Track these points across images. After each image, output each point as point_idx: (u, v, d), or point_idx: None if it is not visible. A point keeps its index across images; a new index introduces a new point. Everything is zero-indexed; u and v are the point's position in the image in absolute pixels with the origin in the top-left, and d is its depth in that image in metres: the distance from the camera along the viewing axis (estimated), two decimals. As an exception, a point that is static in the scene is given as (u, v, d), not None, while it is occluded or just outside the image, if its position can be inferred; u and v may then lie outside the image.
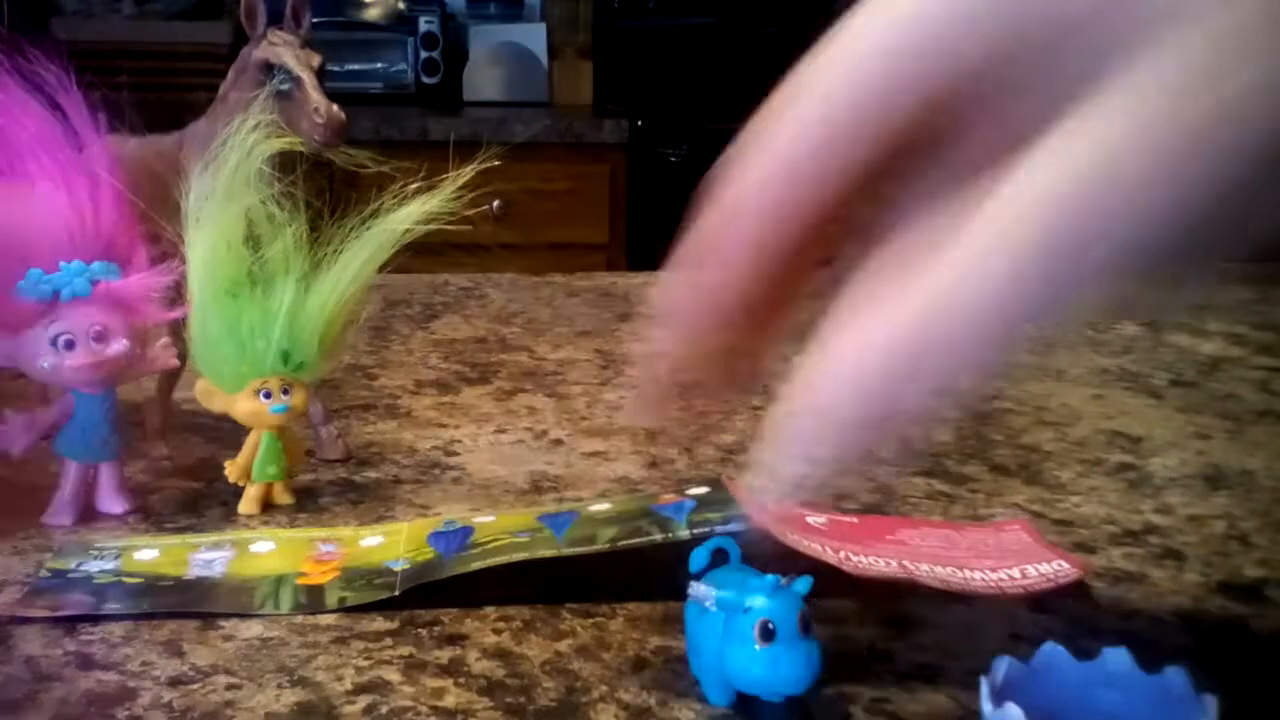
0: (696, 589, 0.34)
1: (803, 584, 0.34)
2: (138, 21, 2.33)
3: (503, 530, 0.45)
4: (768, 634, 0.33)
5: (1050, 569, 0.43)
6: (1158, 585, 0.45)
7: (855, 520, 0.48)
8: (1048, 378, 0.73)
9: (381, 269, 0.51)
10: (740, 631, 0.33)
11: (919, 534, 0.46)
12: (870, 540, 0.44)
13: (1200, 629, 0.42)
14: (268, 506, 0.51)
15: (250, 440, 0.51)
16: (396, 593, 0.42)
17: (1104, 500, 0.53)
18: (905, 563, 0.41)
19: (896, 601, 0.42)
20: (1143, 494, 0.54)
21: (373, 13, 2.45)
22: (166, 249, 0.49)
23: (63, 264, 0.47)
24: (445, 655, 0.39)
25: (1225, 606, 0.44)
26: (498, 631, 0.40)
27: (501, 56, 2.47)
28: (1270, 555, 0.48)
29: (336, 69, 2.29)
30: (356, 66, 2.38)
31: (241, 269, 0.49)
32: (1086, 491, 0.54)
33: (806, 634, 0.33)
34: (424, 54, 2.42)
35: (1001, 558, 0.44)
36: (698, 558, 0.37)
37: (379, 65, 2.41)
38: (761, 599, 0.33)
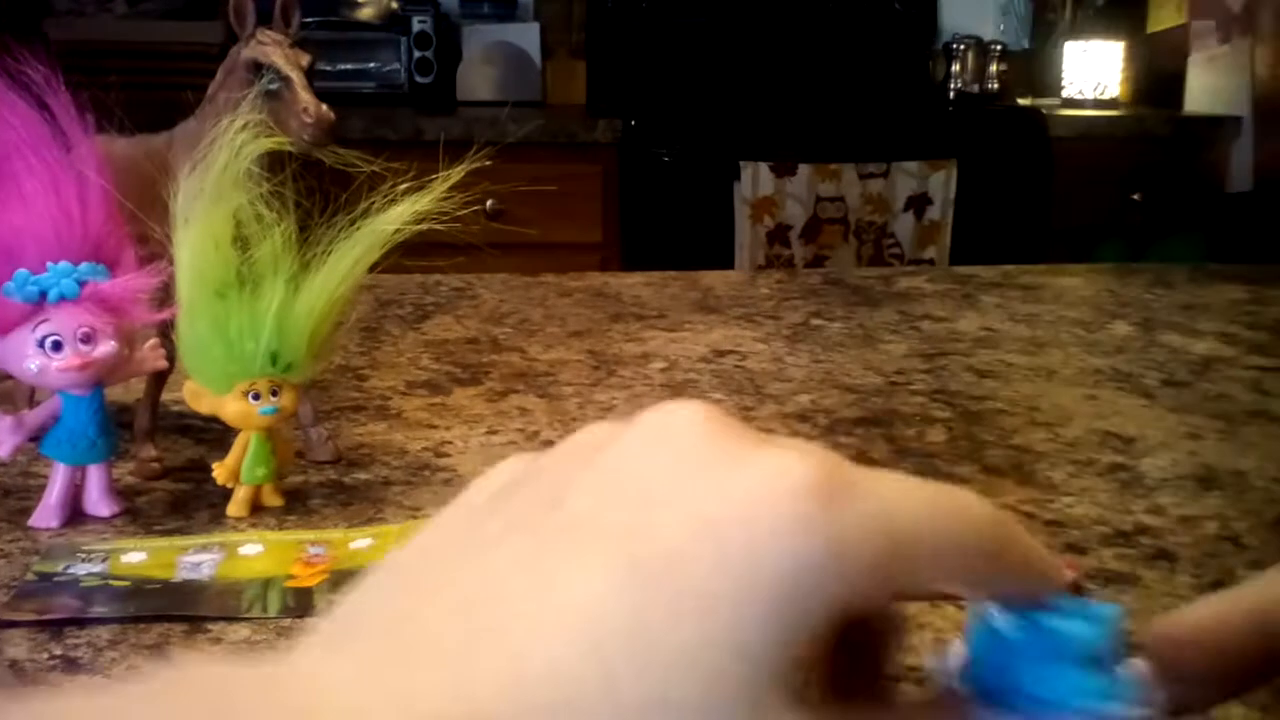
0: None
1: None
2: (129, 21, 2.32)
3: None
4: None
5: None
6: (1150, 586, 0.45)
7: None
8: (1039, 378, 0.73)
9: (372, 269, 0.50)
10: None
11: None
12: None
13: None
14: (257, 508, 0.51)
15: (239, 442, 0.50)
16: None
17: (1096, 501, 0.53)
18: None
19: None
20: (1134, 495, 0.54)
21: (366, 12, 2.45)
22: (155, 250, 0.49)
23: (50, 265, 0.47)
24: (435, 658, 0.38)
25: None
26: (487, 634, 0.40)
27: (495, 56, 2.46)
28: (1262, 556, 0.48)
29: (329, 69, 2.28)
30: (349, 66, 2.37)
31: (230, 270, 0.48)
32: (1078, 492, 0.54)
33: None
34: (417, 53, 2.41)
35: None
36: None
37: (372, 65, 2.41)
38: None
